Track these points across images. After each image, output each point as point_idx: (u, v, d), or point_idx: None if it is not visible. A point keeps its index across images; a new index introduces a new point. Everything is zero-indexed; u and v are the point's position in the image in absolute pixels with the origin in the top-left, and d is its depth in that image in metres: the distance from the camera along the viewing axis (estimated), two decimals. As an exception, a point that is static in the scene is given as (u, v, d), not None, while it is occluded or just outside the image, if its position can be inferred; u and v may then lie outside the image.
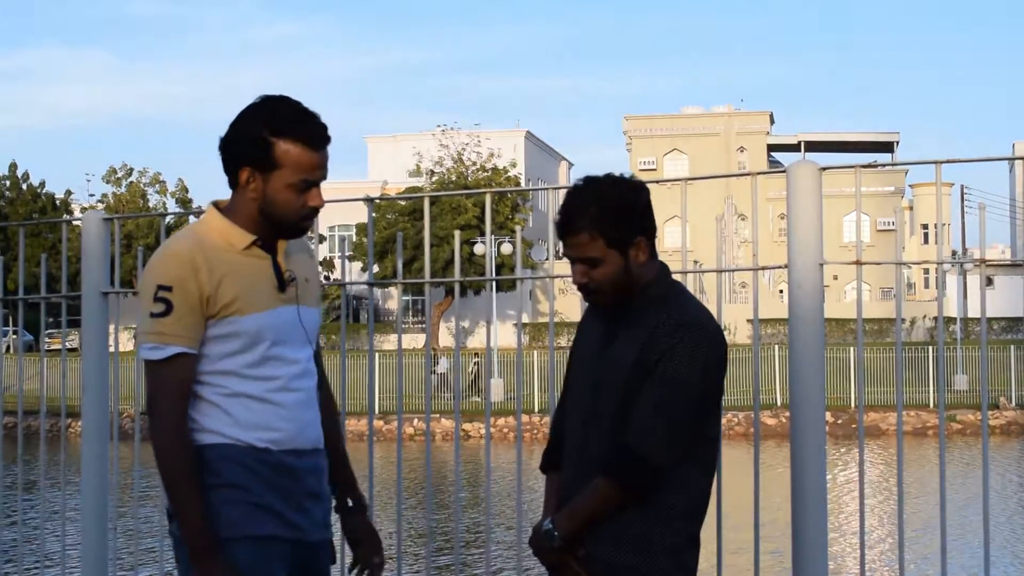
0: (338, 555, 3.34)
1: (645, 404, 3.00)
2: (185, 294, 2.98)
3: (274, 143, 3.01)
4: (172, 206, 60.62)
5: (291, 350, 3.11)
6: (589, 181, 3.09)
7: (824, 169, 3.62)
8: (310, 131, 3.05)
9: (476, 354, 41.57)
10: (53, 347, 34.48)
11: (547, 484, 3.28)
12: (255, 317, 3.04)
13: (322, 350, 3.35)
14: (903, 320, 4.34)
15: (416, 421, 36.23)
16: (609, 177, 3.11)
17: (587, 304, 3.26)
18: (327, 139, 3.08)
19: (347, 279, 6.19)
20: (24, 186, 62.32)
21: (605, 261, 3.05)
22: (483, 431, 33.96)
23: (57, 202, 62.14)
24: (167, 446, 2.96)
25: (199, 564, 2.94)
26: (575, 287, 3.13)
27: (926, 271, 77.16)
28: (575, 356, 3.24)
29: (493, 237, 51.49)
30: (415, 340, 59.82)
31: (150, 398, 3.00)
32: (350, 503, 3.32)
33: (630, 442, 3.00)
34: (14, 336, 27.04)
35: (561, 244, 3.09)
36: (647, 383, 3.00)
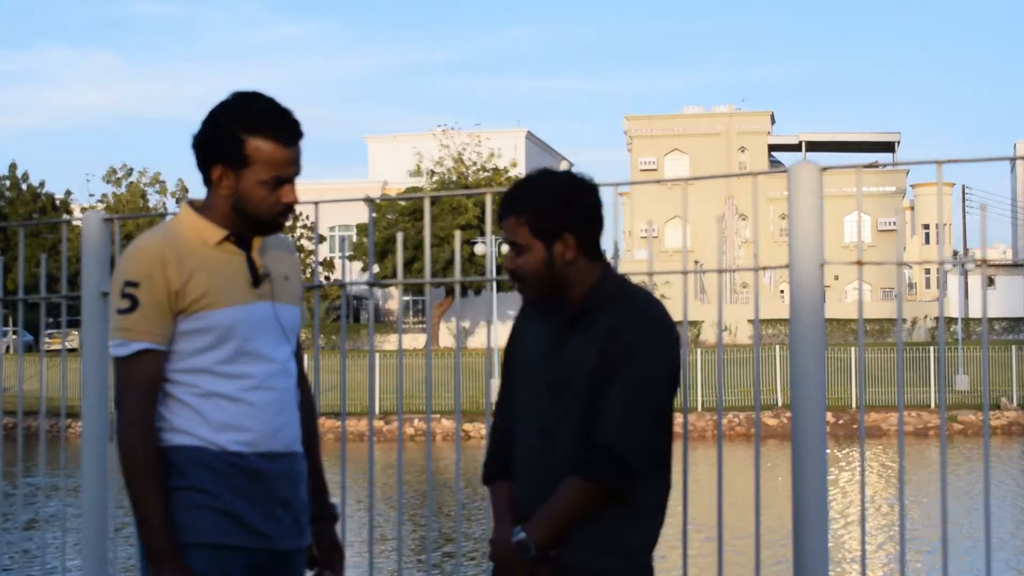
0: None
1: (616, 402, 2.95)
2: (152, 290, 2.94)
3: (245, 140, 2.96)
4: (172, 206, 60.61)
5: (266, 347, 3.04)
6: (541, 172, 3.10)
7: (825, 169, 3.62)
8: (281, 127, 2.99)
9: None
10: (53, 347, 34.47)
11: (495, 495, 3.15)
12: (227, 312, 2.98)
13: (303, 349, 3.26)
14: (904, 320, 4.33)
15: (416, 421, 36.23)
16: (561, 172, 3.10)
17: (523, 309, 3.23)
18: (299, 134, 3.03)
19: (347, 279, 6.20)
20: (24, 186, 62.33)
21: (529, 250, 3.02)
22: (483, 431, 33.98)
23: (57, 202, 62.15)
24: (130, 443, 2.91)
25: (156, 565, 2.89)
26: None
27: (927, 271, 77.17)
28: (517, 360, 3.16)
29: (493, 237, 51.59)
30: (415, 340, 59.82)
31: (117, 395, 2.96)
32: (317, 510, 3.23)
33: (607, 442, 2.94)
34: (14, 336, 27.05)
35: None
36: (614, 381, 2.96)
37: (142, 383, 2.95)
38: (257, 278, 3.06)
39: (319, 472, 3.28)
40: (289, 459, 3.08)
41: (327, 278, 59.64)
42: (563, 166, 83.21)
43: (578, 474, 2.96)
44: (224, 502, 2.96)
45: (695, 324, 52.96)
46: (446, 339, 59.01)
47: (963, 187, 66.84)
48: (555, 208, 3.02)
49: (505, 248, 3.12)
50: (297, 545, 3.11)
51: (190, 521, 2.94)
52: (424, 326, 62.46)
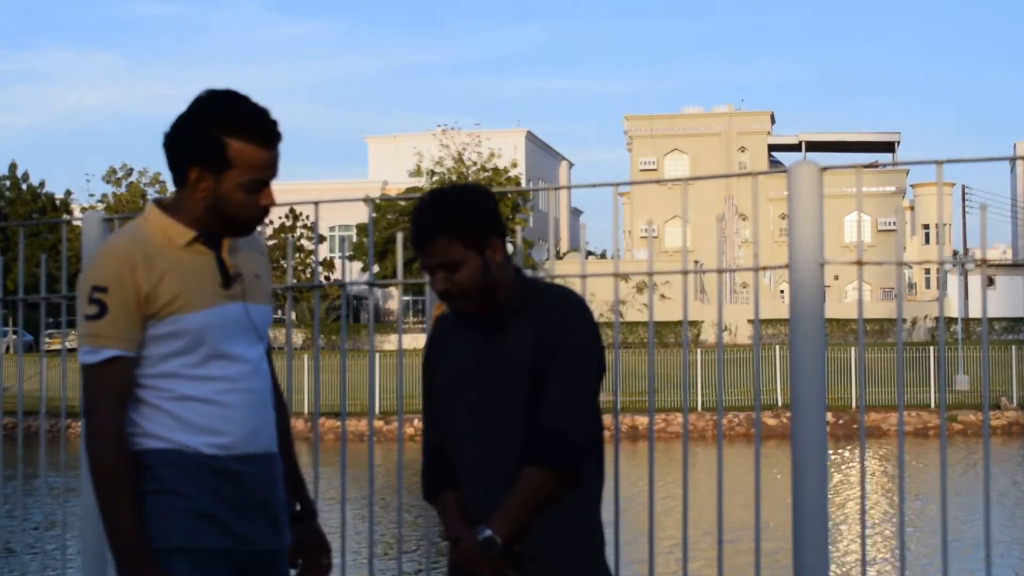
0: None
1: (555, 386, 3.03)
2: (121, 294, 2.88)
3: (227, 142, 2.90)
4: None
5: (239, 348, 3.00)
6: (434, 192, 3.14)
7: (825, 169, 3.62)
8: (263, 129, 2.94)
9: None
10: (53, 347, 34.45)
11: (444, 504, 3.18)
12: (198, 315, 2.93)
13: (271, 349, 3.22)
14: (904, 320, 4.33)
15: (416, 421, 36.21)
16: (454, 186, 3.18)
17: (440, 321, 3.27)
18: (279, 137, 2.98)
19: (347, 279, 6.20)
20: (24, 186, 62.34)
21: (465, 263, 3.06)
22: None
23: (57, 202, 62.15)
24: (101, 452, 2.86)
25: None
26: (437, 297, 3.14)
27: (927, 271, 77.17)
28: (444, 371, 3.20)
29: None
30: (415, 340, 59.80)
31: (85, 403, 2.90)
32: (298, 508, 3.21)
33: (552, 425, 3.02)
34: (14, 336, 27.01)
35: (419, 256, 3.08)
36: (553, 368, 3.04)
37: (112, 390, 2.88)
38: (228, 279, 3.01)
39: (296, 470, 3.25)
40: (266, 460, 3.04)
41: (327, 278, 59.65)
42: (563, 166, 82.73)
43: (533, 464, 3.02)
44: (201, 505, 2.91)
45: (695, 324, 52.92)
46: (446, 339, 58.74)
47: (963, 187, 66.82)
48: (480, 217, 3.09)
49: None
50: (276, 546, 3.07)
51: (167, 525, 2.89)
52: (424, 326, 62.45)
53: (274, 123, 2.97)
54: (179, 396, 2.93)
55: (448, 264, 3.06)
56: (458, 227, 3.05)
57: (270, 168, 2.97)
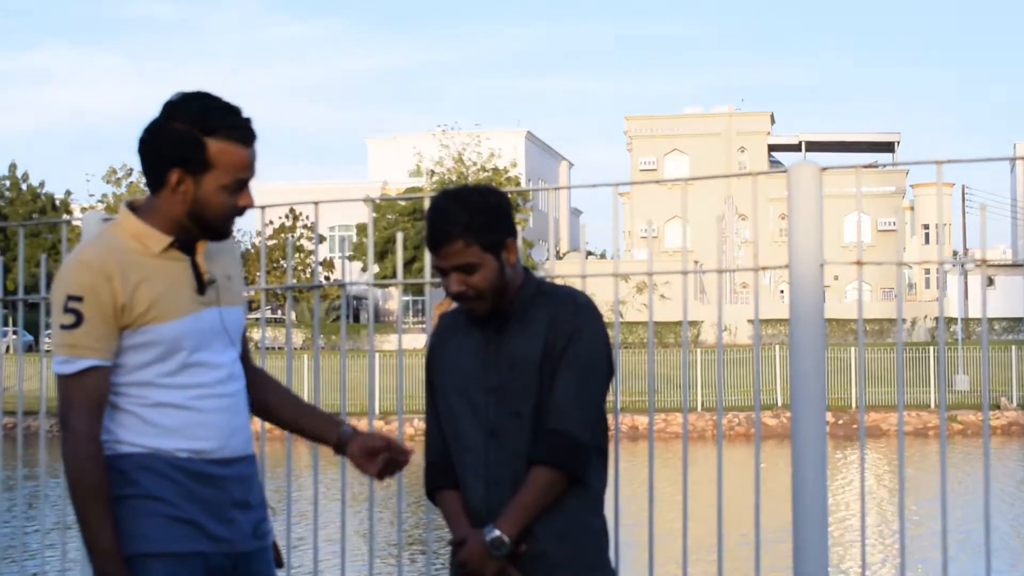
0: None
1: (563, 387, 3.06)
2: (98, 304, 2.85)
3: (207, 143, 2.87)
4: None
5: (214, 355, 2.98)
6: (451, 193, 3.12)
7: (825, 169, 3.63)
8: (242, 128, 2.91)
9: None
10: (53, 347, 34.44)
11: (446, 502, 3.20)
12: (173, 324, 2.90)
13: (249, 346, 3.20)
14: (904, 320, 4.33)
15: (416, 421, 36.23)
16: (469, 187, 3.17)
17: (443, 319, 3.28)
18: (256, 135, 2.96)
19: (347, 279, 6.20)
20: (24, 186, 62.37)
21: (482, 266, 3.06)
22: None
23: (57, 202, 62.18)
24: (79, 463, 2.83)
25: None
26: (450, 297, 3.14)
27: (927, 271, 77.18)
28: (448, 371, 3.20)
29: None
30: (415, 340, 59.84)
31: (62, 413, 2.87)
32: (342, 437, 3.21)
33: (562, 425, 3.04)
34: (14, 336, 27.02)
35: (433, 257, 3.08)
36: (562, 368, 3.07)
37: (89, 401, 2.86)
38: (202, 285, 2.98)
39: (318, 411, 3.29)
40: (242, 462, 3.03)
41: (327, 278, 59.68)
42: (563, 166, 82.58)
43: (543, 464, 3.04)
44: (179, 509, 2.90)
45: (695, 324, 52.88)
46: (446, 339, 58.73)
47: (963, 187, 66.85)
48: (497, 219, 3.10)
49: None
50: (255, 547, 3.05)
51: (146, 531, 2.88)
52: (424, 326, 62.46)
53: (249, 120, 2.94)
54: (153, 403, 2.92)
55: (465, 266, 3.07)
56: (478, 231, 3.05)
57: (250, 167, 2.95)
